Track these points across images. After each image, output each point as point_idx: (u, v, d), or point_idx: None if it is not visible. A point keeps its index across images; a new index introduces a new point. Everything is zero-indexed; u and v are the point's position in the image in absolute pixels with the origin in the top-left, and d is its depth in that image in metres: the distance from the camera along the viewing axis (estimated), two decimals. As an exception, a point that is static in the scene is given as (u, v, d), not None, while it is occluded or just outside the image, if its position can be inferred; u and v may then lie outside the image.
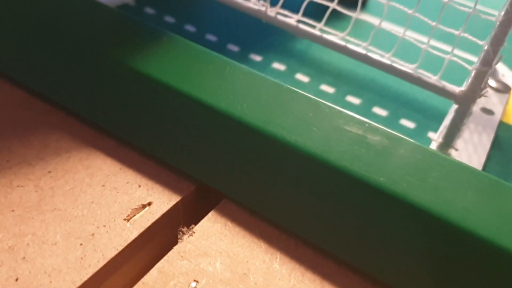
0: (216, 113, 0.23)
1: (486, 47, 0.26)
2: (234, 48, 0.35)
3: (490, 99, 0.34)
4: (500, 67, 0.39)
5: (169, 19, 0.37)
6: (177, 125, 0.25)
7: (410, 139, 0.23)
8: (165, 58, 0.26)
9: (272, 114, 0.23)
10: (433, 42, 0.40)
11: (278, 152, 0.23)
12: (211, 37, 0.36)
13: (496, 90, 0.36)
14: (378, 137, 0.23)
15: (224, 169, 0.24)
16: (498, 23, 0.26)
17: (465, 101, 0.27)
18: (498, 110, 0.34)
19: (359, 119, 0.24)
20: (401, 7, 0.28)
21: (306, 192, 0.23)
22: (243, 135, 0.23)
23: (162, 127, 0.25)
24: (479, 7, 0.43)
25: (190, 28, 0.36)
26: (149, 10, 0.38)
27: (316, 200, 0.23)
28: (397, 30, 0.40)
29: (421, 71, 0.28)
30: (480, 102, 0.34)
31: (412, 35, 0.40)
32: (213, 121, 0.24)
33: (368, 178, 0.21)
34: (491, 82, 0.36)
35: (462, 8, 0.27)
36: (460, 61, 0.27)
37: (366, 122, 0.24)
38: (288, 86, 0.25)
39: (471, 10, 0.27)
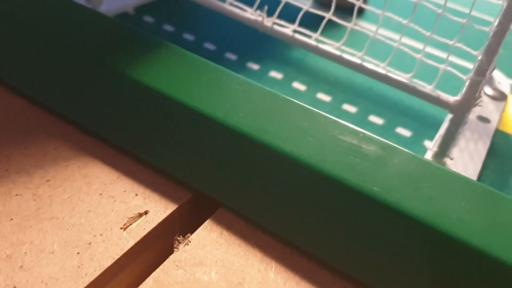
0: (212, 122, 0.24)
1: (480, 57, 0.27)
2: (232, 56, 0.35)
3: (487, 107, 0.35)
4: (497, 75, 0.39)
5: (168, 27, 0.37)
6: (174, 134, 0.25)
7: (404, 149, 0.23)
8: (163, 67, 0.26)
9: (268, 123, 0.24)
10: (431, 50, 0.40)
11: (273, 160, 0.23)
12: (209, 46, 0.36)
13: (493, 98, 0.36)
14: (373, 147, 0.23)
15: (220, 177, 0.24)
16: (491, 33, 0.26)
17: (460, 111, 0.27)
18: (494, 118, 0.34)
19: (354, 129, 0.24)
20: (396, 17, 0.29)
21: (301, 201, 0.23)
22: (238, 143, 0.23)
23: (159, 135, 0.25)
24: (477, 14, 0.44)
25: (188, 36, 0.37)
26: (148, 19, 0.38)
27: (311, 209, 0.23)
28: (395, 37, 0.40)
29: (416, 80, 0.28)
30: (477, 110, 0.34)
31: (410, 43, 0.41)
32: (209, 129, 0.24)
33: (362, 188, 0.22)
34: (488, 90, 0.36)
35: (456, 18, 0.28)
36: (454, 71, 0.28)
37: (361, 132, 0.24)
38: (284, 96, 0.25)
39: (465, 20, 0.28)
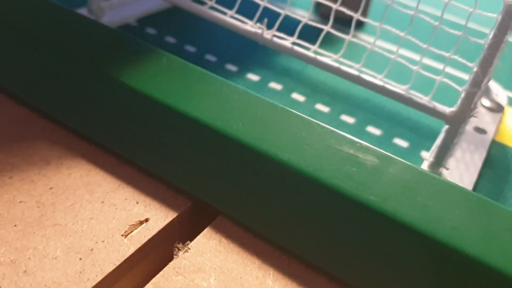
0: (212, 132, 0.24)
1: (475, 69, 0.27)
2: (232, 68, 0.36)
3: (484, 118, 0.35)
4: (494, 86, 0.39)
5: (170, 39, 0.38)
6: (175, 143, 0.25)
7: (400, 159, 0.24)
8: (164, 78, 0.26)
9: (266, 132, 0.24)
10: (429, 61, 0.41)
11: (271, 169, 0.23)
12: (210, 57, 0.37)
13: (490, 109, 0.36)
14: (369, 157, 0.24)
15: (219, 185, 0.25)
16: (486, 45, 0.27)
17: (456, 121, 0.28)
18: (491, 129, 0.34)
19: (350, 139, 0.24)
20: (394, 29, 0.29)
21: (299, 209, 0.23)
22: (238, 152, 0.24)
23: (160, 144, 0.26)
24: (474, 26, 0.44)
25: (190, 48, 0.37)
26: (151, 31, 0.39)
27: (308, 217, 0.23)
28: (394, 49, 0.41)
29: (413, 92, 0.29)
30: (473, 121, 0.34)
31: (408, 55, 0.41)
32: (209, 139, 0.24)
33: (358, 197, 0.22)
34: (485, 102, 0.37)
35: (452, 31, 0.28)
36: (450, 82, 0.28)
37: (358, 142, 0.24)
38: (282, 106, 0.26)
39: (461, 33, 0.28)
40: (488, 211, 0.22)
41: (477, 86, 0.27)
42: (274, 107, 0.26)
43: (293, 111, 0.25)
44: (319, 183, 0.23)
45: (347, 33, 0.30)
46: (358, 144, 0.24)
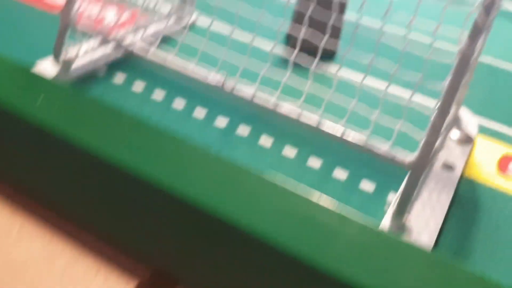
0: (167, 196, 0.24)
1: (433, 117, 0.27)
2: (201, 111, 0.36)
3: (452, 152, 0.35)
4: (464, 114, 0.39)
5: (139, 84, 0.38)
6: (132, 210, 0.25)
7: (358, 219, 0.24)
8: (121, 140, 0.26)
9: (223, 195, 0.24)
10: (399, 90, 0.41)
11: (228, 234, 0.23)
12: (179, 101, 0.37)
13: (459, 141, 0.36)
14: (327, 218, 0.24)
15: (177, 253, 0.25)
16: (444, 91, 0.27)
17: (417, 170, 0.28)
18: (459, 164, 0.34)
19: (309, 200, 0.24)
20: (352, 76, 0.29)
21: (257, 274, 0.23)
22: (193, 218, 0.24)
23: (117, 211, 0.26)
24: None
25: (159, 93, 0.37)
26: (119, 76, 0.39)
27: (267, 283, 0.23)
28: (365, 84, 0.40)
29: (373, 139, 0.29)
30: (442, 157, 0.34)
31: (375, 83, 0.41)
32: (165, 203, 0.24)
33: (314, 262, 0.22)
34: (454, 133, 0.37)
35: (409, 75, 0.28)
36: (409, 131, 0.28)
37: (315, 203, 0.24)
38: (241, 166, 0.26)
39: (419, 77, 0.28)
40: (446, 272, 0.22)
41: (436, 135, 0.27)
42: (233, 167, 0.26)
43: (252, 171, 0.25)
44: (274, 248, 0.23)
45: (317, 64, 0.30)
46: (316, 205, 0.24)
